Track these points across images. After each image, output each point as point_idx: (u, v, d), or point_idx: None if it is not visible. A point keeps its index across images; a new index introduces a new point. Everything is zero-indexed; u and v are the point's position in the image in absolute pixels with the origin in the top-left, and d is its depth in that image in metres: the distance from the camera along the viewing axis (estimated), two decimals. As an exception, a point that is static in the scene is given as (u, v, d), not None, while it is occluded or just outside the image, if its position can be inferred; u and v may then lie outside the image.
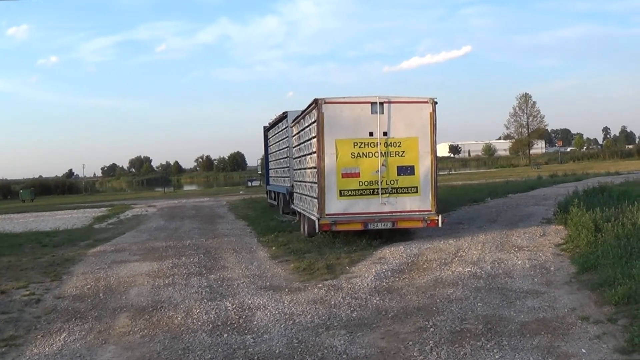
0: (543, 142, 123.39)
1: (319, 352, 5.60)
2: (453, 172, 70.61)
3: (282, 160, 18.55)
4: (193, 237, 14.60)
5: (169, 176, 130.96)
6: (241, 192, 42.73)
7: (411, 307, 7.00)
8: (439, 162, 12.98)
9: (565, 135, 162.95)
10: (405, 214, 11.40)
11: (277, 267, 9.99)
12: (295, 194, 15.19)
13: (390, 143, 11.33)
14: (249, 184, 54.89)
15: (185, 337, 6.26)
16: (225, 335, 6.25)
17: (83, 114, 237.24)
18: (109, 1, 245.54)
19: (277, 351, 5.68)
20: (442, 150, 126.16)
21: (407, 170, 11.36)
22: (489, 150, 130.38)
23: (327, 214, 11.24)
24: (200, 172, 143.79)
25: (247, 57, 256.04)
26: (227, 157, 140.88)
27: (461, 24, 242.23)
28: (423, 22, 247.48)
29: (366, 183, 11.31)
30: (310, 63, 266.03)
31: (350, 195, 11.30)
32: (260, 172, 33.81)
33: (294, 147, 15.33)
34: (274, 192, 21.54)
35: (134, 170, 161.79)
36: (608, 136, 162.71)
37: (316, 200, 11.50)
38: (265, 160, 23.81)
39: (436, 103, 11.44)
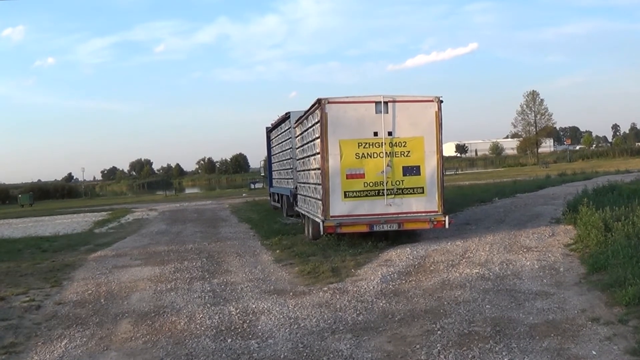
0: (551, 141, 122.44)
1: (324, 356, 5.52)
2: (460, 171, 70.34)
3: (285, 161, 18.45)
4: (195, 241, 14.49)
5: (170, 179, 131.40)
6: (244, 194, 42.61)
7: (418, 309, 6.90)
8: (445, 162, 12.88)
9: (574, 133, 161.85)
10: (411, 215, 11.28)
11: (281, 271, 9.89)
12: (299, 196, 15.09)
13: (395, 143, 11.21)
14: (252, 186, 54.60)
15: (189, 342, 6.17)
16: (229, 340, 6.16)
17: (81, 117, 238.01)
18: (105, 1, 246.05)
19: (282, 356, 5.60)
20: (449, 150, 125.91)
21: (412, 170, 11.24)
22: (497, 149, 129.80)
23: (331, 216, 11.12)
24: (202, 174, 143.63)
25: (247, 57, 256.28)
26: (229, 159, 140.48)
27: (465, 21, 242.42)
28: (426, 19, 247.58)
29: (371, 184, 11.19)
30: (312, 62, 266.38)
31: (355, 196, 11.18)
32: (263, 174, 33.78)
33: (297, 148, 15.23)
34: (278, 194, 21.44)
35: (134, 173, 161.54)
36: (617, 134, 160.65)
37: (320, 202, 11.38)
38: (268, 162, 23.72)
39: (442, 101, 11.32)
